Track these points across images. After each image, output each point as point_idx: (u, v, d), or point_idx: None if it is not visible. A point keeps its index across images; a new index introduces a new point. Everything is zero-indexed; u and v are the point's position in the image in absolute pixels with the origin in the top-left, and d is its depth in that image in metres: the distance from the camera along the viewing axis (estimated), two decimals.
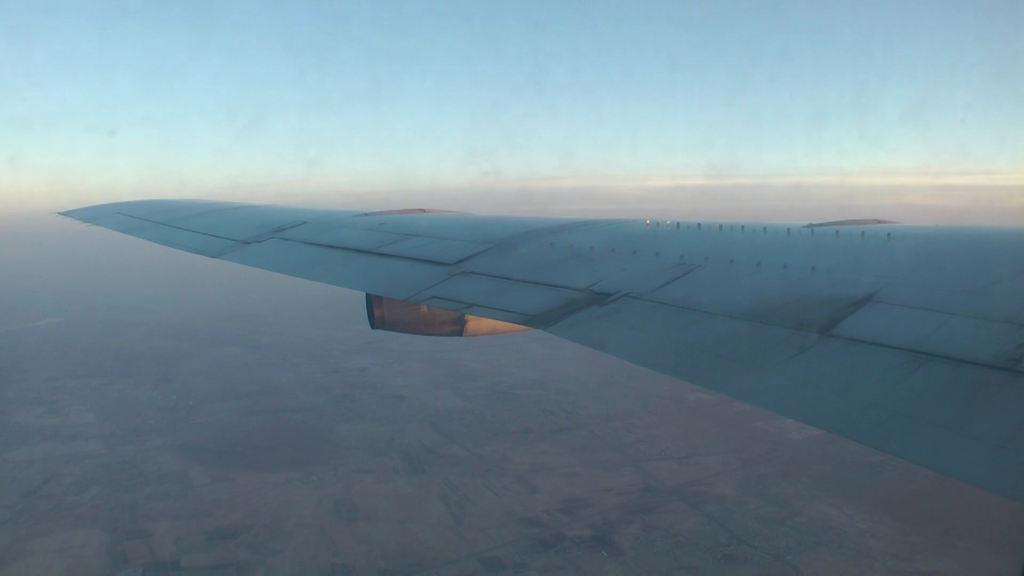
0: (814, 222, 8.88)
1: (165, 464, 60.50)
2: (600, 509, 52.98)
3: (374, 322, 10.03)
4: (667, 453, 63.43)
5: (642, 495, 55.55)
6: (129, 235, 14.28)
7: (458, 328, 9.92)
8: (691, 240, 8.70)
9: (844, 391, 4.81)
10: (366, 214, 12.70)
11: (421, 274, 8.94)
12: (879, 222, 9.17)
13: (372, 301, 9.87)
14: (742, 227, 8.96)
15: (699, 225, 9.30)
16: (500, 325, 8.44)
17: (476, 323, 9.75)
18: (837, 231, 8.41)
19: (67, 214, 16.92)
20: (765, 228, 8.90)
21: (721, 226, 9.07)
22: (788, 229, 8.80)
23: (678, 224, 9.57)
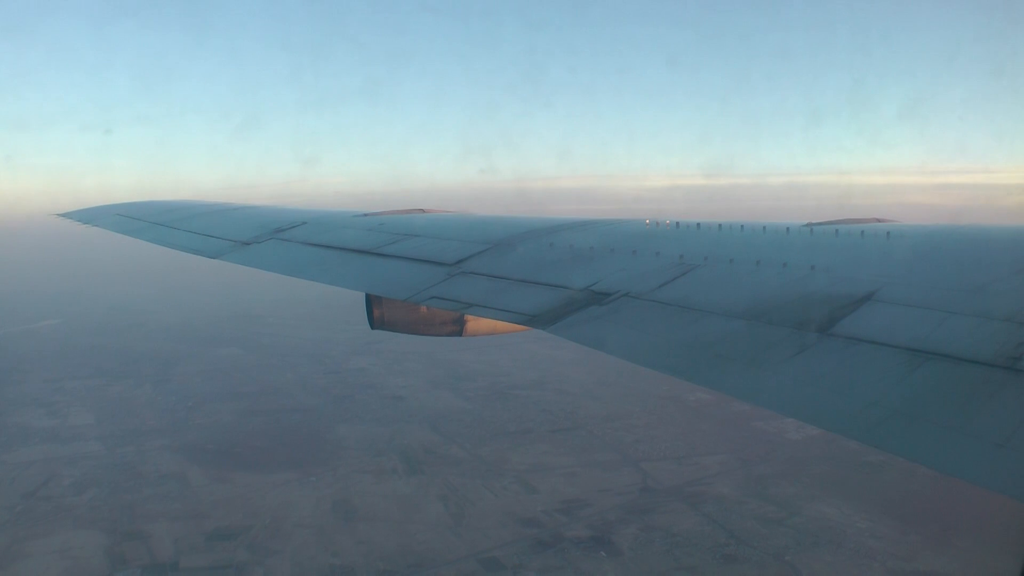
0: (813, 221, 8.89)
1: (164, 465, 60.48)
2: (599, 509, 53.00)
3: (374, 322, 10.02)
4: (666, 453, 63.46)
5: (641, 495, 55.57)
6: (128, 236, 14.27)
7: (458, 328, 9.91)
8: (690, 240, 8.70)
9: (844, 390, 4.81)
10: (365, 214, 12.70)
11: (421, 274, 8.94)
12: (878, 221, 9.17)
13: (372, 301, 9.87)
14: (741, 226, 8.97)
15: (698, 225, 9.30)
16: (500, 325, 8.43)
17: (476, 323, 9.75)
18: (836, 230, 8.42)
19: (65, 215, 16.92)
20: (764, 227, 8.90)
21: (720, 225, 9.08)
22: (787, 228, 8.81)
23: (677, 224, 9.57)
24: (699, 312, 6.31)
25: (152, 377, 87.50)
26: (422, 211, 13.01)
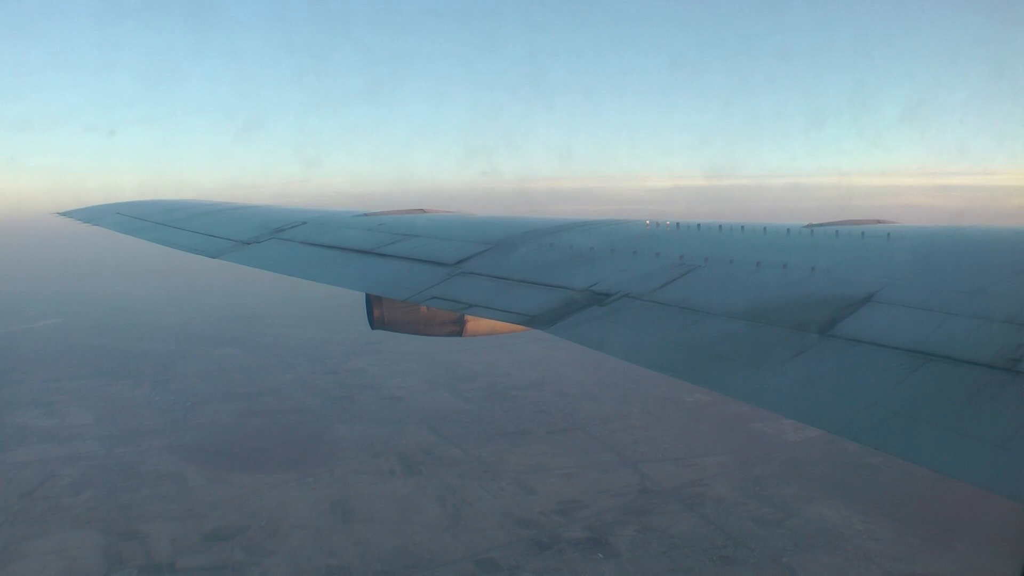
0: (813, 222, 8.90)
1: (162, 465, 60.40)
2: (597, 511, 52.97)
3: (374, 323, 10.03)
4: (664, 454, 63.44)
5: (639, 496, 55.54)
6: (128, 235, 14.27)
7: (458, 328, 9.92)
8: (691, 240, 8.71)
9: (844, 391, 4.82)
10: (366, 214, 12.71)
11: (421, 274, 8.95)
12: (878, 222, 9.19)
13: (372, 301, 9.88)
14: (742, 227, 8.98)
15: (699, 225, 9.32)
16: (500, 325, 8.44)
17: (476, 323, 9.76)
18: (836, 231, 8.44)
19: (66, 214, 16.91)
20: (765, 228, 8.91)
21: (721, 226, 9.09)
22: (788, 229, 8.82)
23: (678, 224, 9.58)
24: (699, 313, 6.32)
25: (151, 377, 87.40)
26: (422, 211, 13.02)
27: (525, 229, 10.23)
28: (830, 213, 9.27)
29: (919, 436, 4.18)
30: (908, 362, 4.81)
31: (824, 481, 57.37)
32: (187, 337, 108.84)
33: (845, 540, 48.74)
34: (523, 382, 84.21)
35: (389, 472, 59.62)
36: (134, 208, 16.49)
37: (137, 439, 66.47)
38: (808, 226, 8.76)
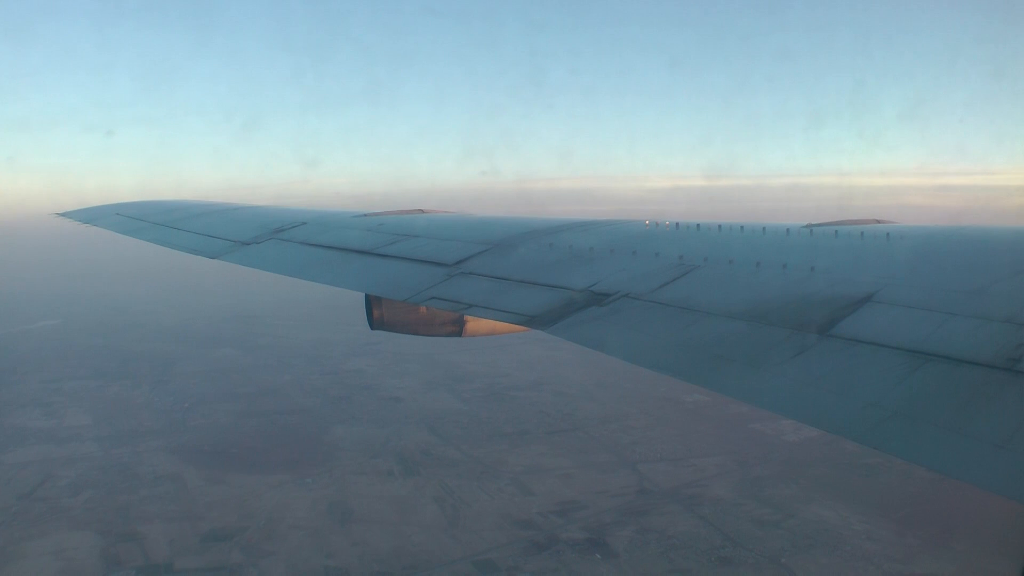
0: (813, 222, 8.91)
1: (160, 466, 60.37)
2: (595, 511, 52.98)
3: (373, 323, 10.03)
4: (663, 455, 63.47)
5: (637, 497, 55.55)
6: (128, 236, 14.25)
7: (457, 329, 9.92)
8: (690, 240, 8.72)
9: (843, 391, 4.82)
10: (365, 215, 12.71)
11: (420, 275, 8.94)
12: (878, 222, 9.20)
13: (371, 302, 9.88)
14: (741, 227, 8.99)
15: (698, 226, 9.32)
16: (499, 326, 8.44)
17: (475, 324, 9.76)
18: (836, 231, 8.44)
19: (66, 215, 16.88)
20: (764, 228, 8.92)
21: (720, 226, 9.10)
22: (787, 229, 8.82)
23: (677, 224, 9.59)
24: (699, 313, 6.33)
25: (150, 378, 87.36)
26: (422, 211, 13.02)
27: (524, 229, 10.23)
28: (830, 213, 9.28)
29: (919, 436, 4.18)
30: (908, 362, 4.81)
31: (823, 482, 57.41)
32: (186, 338, 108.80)
33: (844, 541, 48.76)
34: (522, 383, 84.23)
35: (387, 473, 59.61)
36: (133, 209, 16.47)
37: (135, 440, 66.43)
38: (807, 226, 8.77)
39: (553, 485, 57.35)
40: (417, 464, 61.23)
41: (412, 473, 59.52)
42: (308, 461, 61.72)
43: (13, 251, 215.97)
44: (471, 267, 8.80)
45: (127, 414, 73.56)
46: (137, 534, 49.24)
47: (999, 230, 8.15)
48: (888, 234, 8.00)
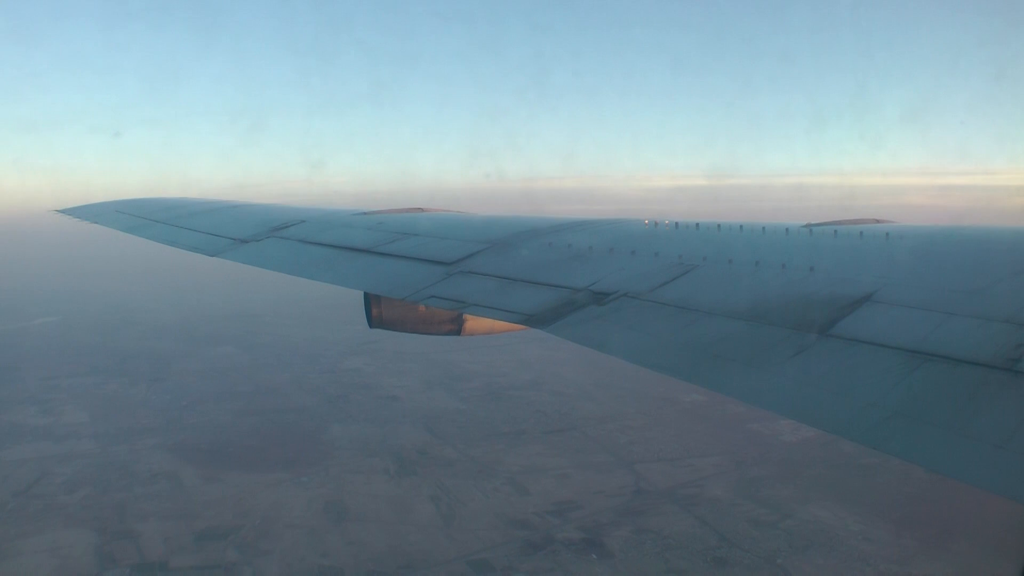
0: (812, 222, 8.92)
1: (156, 464, 60.27)
2: (591, 511, 52.97)
3: (372, 321, 10.02)
4: (660, 455, 63.47)
5: (634, 497, 55.54)
6: (127, 233, 14.24)
7: (456, 327, 9.92)
8: (690, 240, 8.73)
9: (843, 391, 4.82)
10: (364, 213, 12.70)
11: (419, 273, 8.94)
12: (877, 222, 9.22)
13: (370, 300, 9.87)
14: (740, 227, 8.99)
15: (697, 225, 9.33)
16: (498, 325, 8.44)
17: (474, 323, 9.75)
18: (835, 231, 8.45)
19: (65, 212, 16.87)
20: (763, 228, 8.93)
21: (719, 226, 9.11)
22: (786, 229, 8.83)
23: (676, 224, 9.59)
24: (698, 312, 6.33)
25: (147, 375, 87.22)
26: (421, 210, 13.02)
27: (524, 228, 10.24)
28: (831, 213, 9.29)
29: (918, 436, 4.18)
30: (907, 362, 4.81)
31: (820, 482, 57.44)
32: (184, 336, 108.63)
33: (840, 541, 48.77)
34: (520, 382, 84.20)
35: (383, 472, 59.55)
36: (133, 206, 16.45)
37: (132, 438, 66.32)
38: (807, 226, 8.78)
39: (549, 485, 57.33)
40: (413, 463, 61.18)
41: (408, 472, 59.47)
42: (305, 460, 61.65)
43: (12, 247, 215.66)
44: (470, 266, 8.80)
45: (124, 412, 73.43)
46: (132, 532, 49.15)
47: (998, 230, 8.16)
48: (887, 234, 8.01)
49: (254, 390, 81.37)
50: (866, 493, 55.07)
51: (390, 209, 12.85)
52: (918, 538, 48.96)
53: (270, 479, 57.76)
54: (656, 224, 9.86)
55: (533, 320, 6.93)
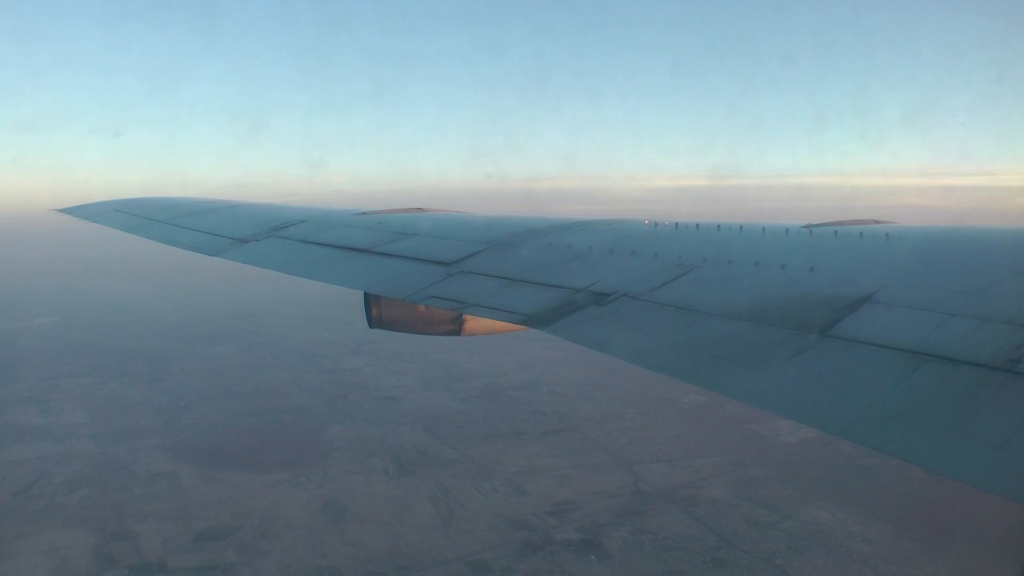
0: (812, 222, 8.92)
1: (155, 465, 60.23)
2: (590, 512, 52.95)
3: (372, 321, 10.01)
4: (659, 456, 63.46)
5: (633, 498, 55.54)
6: (127, 233, 14.22)
7: (456, 328, 9.90)
8: (689, 240, 8.73)
9: (843, 392, 4.82)
10: (364, 213, 12.69)
11: (419, 273, 8.94)
12: (877, 222, 9.22)
13: (370, 300, 9.86)
14: (740, 228, 8.99)
15: (697, 226, 9.33)
16: (498, 325, 8.42)
17: (474, 323, 9.74)
18: (835, 231, 8.46)
19: (64, 211, 16.84)
20: (763, 229, 8.93)
21: (719, 227, 9.11)
22: (786, 230, 8.84)
23: (676, 224, 9.60)
24: (698, 313, 6.32)
25: (146, 375, 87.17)
26: (420, 210, 13.02)
27: (524, 228, 10.23)
28: (832, 214, 9.30)
29: (918, 436, 4.18)
30: (907, 362, 4.81)
31: (819, 483, 57.44)
32: (183, 335, 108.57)
33: (839, 542, 48.79)
34: (519, 382, 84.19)
35: (382, 472, 59.52)
36: (132, 205, 16.42)
37: (131, 438, 66.27)
38: (807, 226, 8.78)
39: (548, 485, 57.33)
40: (412, 464, 61.16)
41: (407, 473, 59.45)
42: (303, 460, 61.62)
43: (12, 247, 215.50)
44: (470, 266, 8.80)
45: (123, 412, 73.39)
46: (131, 533, 49.11)
47: (998, 230, 8.17)
48: (887, 234, 8.01)
49: (253, 390, 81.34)
50: (865, 494, 55.08)
51: (390, 209, 12.84)
52: (917, 539, 48.96)
53: (269, 479, 57.72)
54: (656, 224, 9.86)
55: (533, 320, 6.93)
